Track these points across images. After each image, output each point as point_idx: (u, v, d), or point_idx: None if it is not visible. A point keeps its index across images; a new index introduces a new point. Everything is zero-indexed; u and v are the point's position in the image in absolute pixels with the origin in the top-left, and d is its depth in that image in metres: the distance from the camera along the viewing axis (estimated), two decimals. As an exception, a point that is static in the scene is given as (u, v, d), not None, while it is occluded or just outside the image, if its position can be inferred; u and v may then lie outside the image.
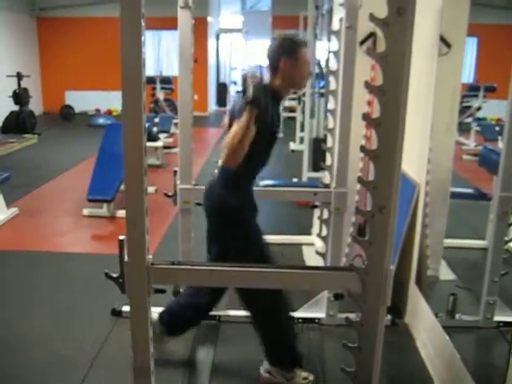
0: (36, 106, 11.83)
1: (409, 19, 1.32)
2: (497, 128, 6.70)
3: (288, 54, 2.23)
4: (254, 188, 2.45)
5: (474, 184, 4.75)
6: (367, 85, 1.42)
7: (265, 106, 2.06)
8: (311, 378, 2.58)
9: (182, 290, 2.99)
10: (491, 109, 7.57)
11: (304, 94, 7.21)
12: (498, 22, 6.14)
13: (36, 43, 13.24)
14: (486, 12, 5.58)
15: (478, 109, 7.79)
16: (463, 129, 7.11)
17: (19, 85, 9.85)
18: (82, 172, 6.57)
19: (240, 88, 2.10)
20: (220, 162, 2.24)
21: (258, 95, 1.97)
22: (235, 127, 2.05)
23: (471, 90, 7.75)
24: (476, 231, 4.12)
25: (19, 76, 9.86)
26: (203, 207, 2.45)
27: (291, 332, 2.55)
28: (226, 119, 2.45)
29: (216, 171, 2.37)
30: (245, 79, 2.04)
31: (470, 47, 6.99)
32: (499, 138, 5.35)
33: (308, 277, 1.68)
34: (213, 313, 2.87)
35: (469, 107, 7.61)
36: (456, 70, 3.18)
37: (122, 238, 1.59)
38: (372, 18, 1.36)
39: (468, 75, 7.48)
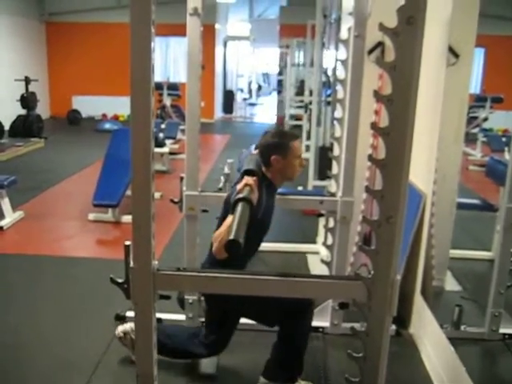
0: (43, 110, 11.89)
1: (418, 29, 1.32)
2: (503, 139, 6.70)
3: (278, 152, 2.32)
4: None
5: (481, 195, 4.74)
6: (376, 94, 1.41)
7: (258, 200, 2.09)
8: None
9: (185, 297, 2.99)
10: (498, 119, 7.58)
11: (311, 103, 7.21)
12: (506, 33, 6.15)
13: (44, 48, 13.32)
14: (494, 23, 5.59)
15: (485, 119, 7.79)
16: (469, 139, 7.09)
17: (27, 89, 9.91)
18: (88, 177, 6.59)
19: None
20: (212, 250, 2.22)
21: (250, 195, 2.00)
22: (228, 220, 2.03)
23: (478, 101, 7.76)
24: (482, 242, 4.10)
25: (27, 80, 9.93)
26: None
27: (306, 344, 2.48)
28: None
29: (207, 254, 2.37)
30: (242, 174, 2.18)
31: (478, 58, 7.00)
32: (506, 148, 5.35)
33: (313, 285, 1.67)
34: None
35: (475, 118, 7.61)
36: (464, 80, 3.18)
37: (127, 243, 1.59)
38: (382, 27, 1.36)
39: (475, 86, 7.48)
